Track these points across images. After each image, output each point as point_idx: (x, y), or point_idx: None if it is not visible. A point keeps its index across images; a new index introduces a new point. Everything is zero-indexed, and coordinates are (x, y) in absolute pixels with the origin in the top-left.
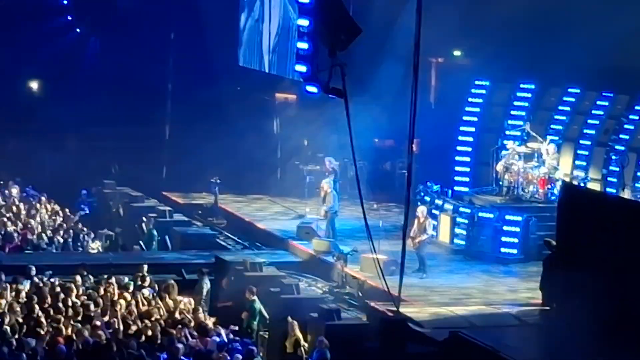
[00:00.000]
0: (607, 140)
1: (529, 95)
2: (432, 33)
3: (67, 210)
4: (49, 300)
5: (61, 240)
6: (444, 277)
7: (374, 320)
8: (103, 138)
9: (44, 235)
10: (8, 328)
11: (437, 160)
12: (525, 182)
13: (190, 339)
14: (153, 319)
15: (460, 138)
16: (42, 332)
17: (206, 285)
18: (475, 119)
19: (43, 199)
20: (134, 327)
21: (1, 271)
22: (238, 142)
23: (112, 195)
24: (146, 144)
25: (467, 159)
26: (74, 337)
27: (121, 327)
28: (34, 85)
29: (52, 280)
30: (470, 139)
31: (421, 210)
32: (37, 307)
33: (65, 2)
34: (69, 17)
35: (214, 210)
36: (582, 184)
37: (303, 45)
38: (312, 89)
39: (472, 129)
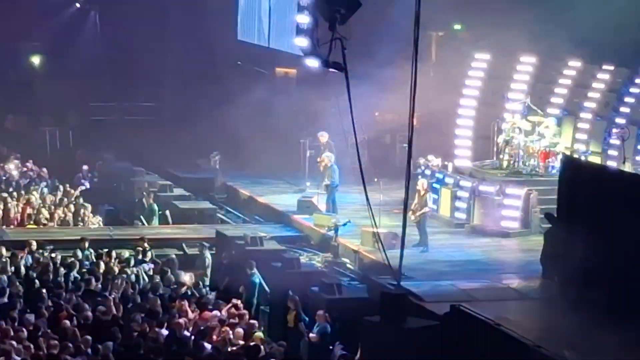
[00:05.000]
0: (607, 114)
1: (530, 68)
2: (432, 6)
3: (67, 185)
4: (49, 275)
5: (62, 215)
6: (444, 250)
7: (374, 294)
8: (103, 113)
9: (44, 210)
10: (9, 303)
11: (437, 134)
12: (526, 156)
13: (191, 313)
14: (154, 293)
15: (460, 112)
16: (43, 307)
17: (207, 259)
18: (476, 92)
19: (44, 174)
20: (134, 302)
21: (2, 246)
22: (238, 116)
23: (113, 170)
24: (146, 118)
25: (468, 133)
26: (75, 311)
27: (122, 302)
28: (34, 60)
29: (52, 255)
30: (471, 112)
31: (422, 183)
32: (37, 282)
33: None
34: None
35: (214, 185)
36: (582, 157)
37: (303, 19)
38: (312, 62)
39: (473, 103)
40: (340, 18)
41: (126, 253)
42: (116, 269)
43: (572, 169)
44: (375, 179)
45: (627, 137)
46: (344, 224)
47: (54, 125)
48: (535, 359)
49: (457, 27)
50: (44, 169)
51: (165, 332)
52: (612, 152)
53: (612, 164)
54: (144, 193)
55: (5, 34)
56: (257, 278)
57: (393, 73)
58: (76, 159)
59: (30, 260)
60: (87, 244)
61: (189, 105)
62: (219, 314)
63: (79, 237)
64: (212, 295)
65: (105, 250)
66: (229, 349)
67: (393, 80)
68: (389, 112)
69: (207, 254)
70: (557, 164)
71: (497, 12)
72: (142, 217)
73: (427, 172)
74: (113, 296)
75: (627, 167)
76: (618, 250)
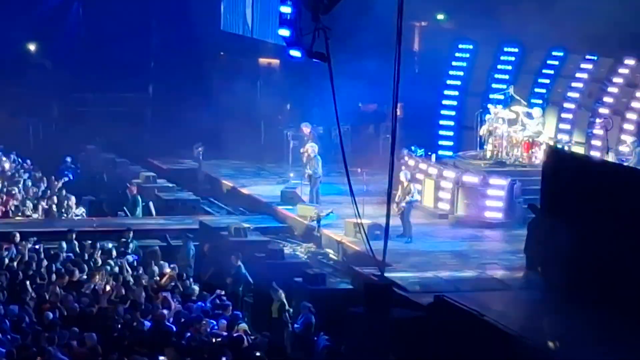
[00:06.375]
0: (591, 104)
1: (513, 58)
2: None
3: (52, 177)
4: (33, 266)
5: (45, 207)
6: (428, 241)
7: (358, 285)
8: (86, 104)
9: (27, 201)
10: None
11: (421, 125)
12: (510, 146)
13: (174, 305)
14: (137, 285)
15: (444, 102)
16: (27, 299)
17: (191, 250)
18: (459, 82)
19: (27, 165)
20: (118, 293)
21: None
22: (221, 107)
23: (96, 161)
24: (129, 109)
25: (451, 123)
26: (59, 303)
27: (106, 293)
28: (17, 50)
29: (36, 247)
30: (454, 102)
31: (404, 174)
32: (21, 273)
33: None
34: None
35: (197, 176)
36: (566, 148)
37: (286, 9)
38: (295, 53)
39: (456, 93)
40: (323, 8)
41: (109, 244)
42: (100, 261)
43: (556, 159)
44: (359, 170)
45: (610, 127)
46: (327, 215)
47: (38, 116)
48: (519, 349)
49: (441, 17)
50: (27, 161)
51: (148, 323)
52: (596, 142)
53: (595, 154)
54: (127, 184)
55: None
56: (243, 270)
57: (376, 63)
58: (59, 151)
59: (14, 252)
60: (74, 236)
61: (172, 96)
62: (202, 305)
63: (63, 229)
64: (196, 287)
65: (89, 241)
66: (213, 340)
67: (376, 71)
68: (372, 102)
69: (191, 245)
70: (541, 154)
71: (481, 2)
72: (125, 208)
73: (411, 162)
74: (97, 288)
75: (611, 157)
76: (601, 241)
